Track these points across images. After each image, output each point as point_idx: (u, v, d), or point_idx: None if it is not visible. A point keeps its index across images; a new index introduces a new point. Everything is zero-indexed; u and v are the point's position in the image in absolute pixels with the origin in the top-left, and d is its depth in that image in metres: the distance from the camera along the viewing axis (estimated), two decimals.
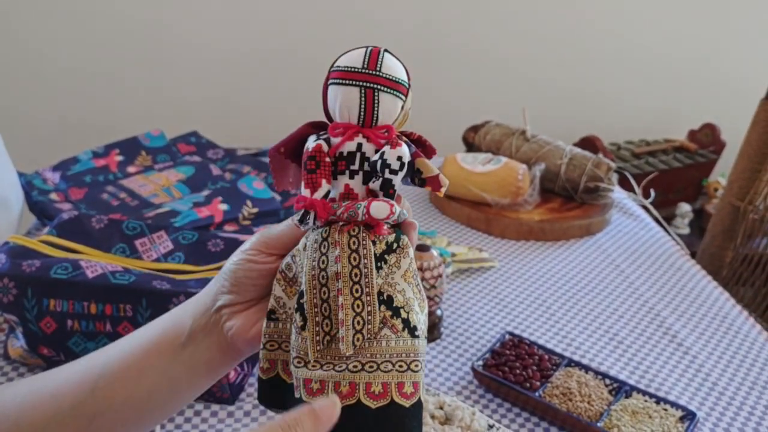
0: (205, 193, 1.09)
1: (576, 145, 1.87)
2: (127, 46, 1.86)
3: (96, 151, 1.23)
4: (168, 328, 0.49)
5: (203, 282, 0.74)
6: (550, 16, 2.07)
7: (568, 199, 1.23)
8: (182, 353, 0.48)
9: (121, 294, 0.71)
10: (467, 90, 2.07)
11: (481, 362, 0.80)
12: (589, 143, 1.88)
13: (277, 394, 0.45)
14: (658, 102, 2.24)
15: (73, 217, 0.82)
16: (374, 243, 0.41)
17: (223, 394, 0.74)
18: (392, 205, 0.41)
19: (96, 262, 0.74)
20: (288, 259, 0.44)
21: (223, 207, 1.04)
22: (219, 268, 0.77)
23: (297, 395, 0.41)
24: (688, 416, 0.73)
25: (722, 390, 0.82)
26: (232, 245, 0.81)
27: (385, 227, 0.42)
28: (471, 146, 1.37)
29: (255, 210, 1.06)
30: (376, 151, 0.41)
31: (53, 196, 1.10)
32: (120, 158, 1.23)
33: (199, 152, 1.30)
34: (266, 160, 1.30)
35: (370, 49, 0.41)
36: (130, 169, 1.21)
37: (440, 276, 0.85)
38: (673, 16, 2.14)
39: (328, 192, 0.42)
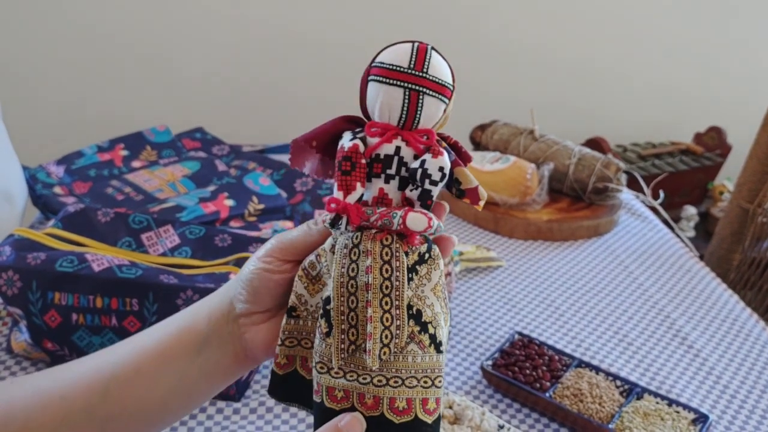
0: (211, 188, 1.08)
1: (582, 146, 1.86)
2: (133, 42, 1.85)
3: (101, 146, 1.22)
4: (183, 330, 0.47)
5: (211, 277, 0.73)
6: (556, 18, 2.06)
7: (576, 200, 1.22)
8: (197, 358, 0.47)
9: (128, 288, 0.70)
10: (474, 90, 2.05)
11: (490, 362, 0.79)
12: (595, 145, 1.87)
13: (292, 389, 0.44)
14: (664, 104, 2.23)
15: (79, 210, 0.81)
16: (407, 254, 0.39)
17: (230, 391, 0.73)
18: (430, 219, 0.39)
19: (102, 256, 0.73)
20: (312, 257, 0.43)
21: (229, 203, 1.03)
22: (226, 263, 0.76)
23: (318, 400, 0.40)
24: (701, 419, 0.72)
25: (734, 392, 0.80)
26: (240, 240, 0.80)
27: (419, 237, 0.40)
28: (478, 145, 1.36)
29: (261, 206, 1.05)
30: (415, 157, 0.39)
31: (57, 189, 1.09)
32: (125, 153, 1.22)
33: (204, 148, 1.29)
34: (272, 156, 1.30)
35: (417, 45, 0.39)
36: (135, 163, 1.20)
37: (449, 274, 0.84)
38: (679, 20, 2.13)
39: (362, 195, 0.40)
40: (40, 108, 1.86)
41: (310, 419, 0.72)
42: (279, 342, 0.44)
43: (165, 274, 0.72)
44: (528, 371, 0.77)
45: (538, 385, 0.75)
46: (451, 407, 0.70)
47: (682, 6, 2.12)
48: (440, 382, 0.40)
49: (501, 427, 0.68)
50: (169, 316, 0.49)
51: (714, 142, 2.11)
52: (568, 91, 2.14)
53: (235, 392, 0.73)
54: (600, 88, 2.17)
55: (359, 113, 0.43)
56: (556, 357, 0.80)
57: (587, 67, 2.13)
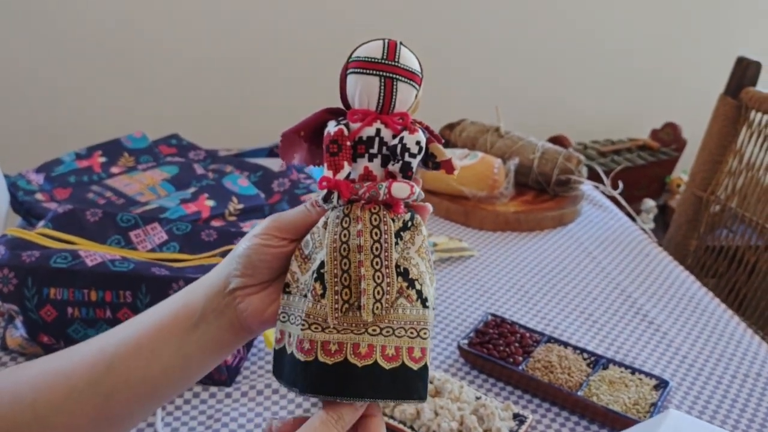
0: (191, 190, 1.11)
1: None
2: (107, 51, 1.87)
3: (79, 153, 1.24)
4: (180, 308, 0.50)
5: (200, 269, 0.76)
6: (519, 23, 2.14)
7: (541, 192, 1.29)
8: (194, 333, 0.49)
9: (121, 281, 0.74)
10: (443, 90, 2.12)
11: (466, 341, 0.84)
12: (557, 142, 1.94)
13: (279, 366, 0.47)
14: (621, 103, 2.33)
15: (68, 210, 0.84)
16: (393, 221, 0.44)
17: (221, 376, 0.76)
18: (412, 186, 0.45)
19: (94, 252, 0.76)
20: (307, 236, 0.47)
21: (210, 203, 1.07)
22: (214, 256, 0.80)
23: (311, 358, 0.43)
24: (662, 384, 0.78)
25: (692, 362, 0.87)
26: (225, 235, 0.83)
27: (402, 207, 0.45)
28: (447, 143, 1.41)
29: (241, 206, 1.08)
30: (394, 137, 0.45)
31: (39, 196, 1.11)
32: (103, 159, 1.24)
33: (180, 154, 1.32)
34: (247, 160, 1.33)
35: (387, 41, 0.45)
36: (114, 169, 1.22)
37: None
38: (634, 25, 2.23)
39: (349, 173, 0.45)
40: (16, 118, 1.86)
41: (299, 400, 0.76)
42: (278, 316, 0.48)
43: (156, 267, 0.75)
44: (501, 347, 0.82)
45: (511, 359, 0.81)
46: (432, 382, 0.75)
47: (636, 13, 2.21)
48: (425, 333, 0.44)
49: (478, 397, 0.73)
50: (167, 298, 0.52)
51: (670, 137, 2.20)
52: (530, 93, 2.21)
53: (227, 378, 0.77)
54: (561, 90, 2.25)
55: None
56: (527, 334, 0.86)
57: (549, 69, 2.21)
